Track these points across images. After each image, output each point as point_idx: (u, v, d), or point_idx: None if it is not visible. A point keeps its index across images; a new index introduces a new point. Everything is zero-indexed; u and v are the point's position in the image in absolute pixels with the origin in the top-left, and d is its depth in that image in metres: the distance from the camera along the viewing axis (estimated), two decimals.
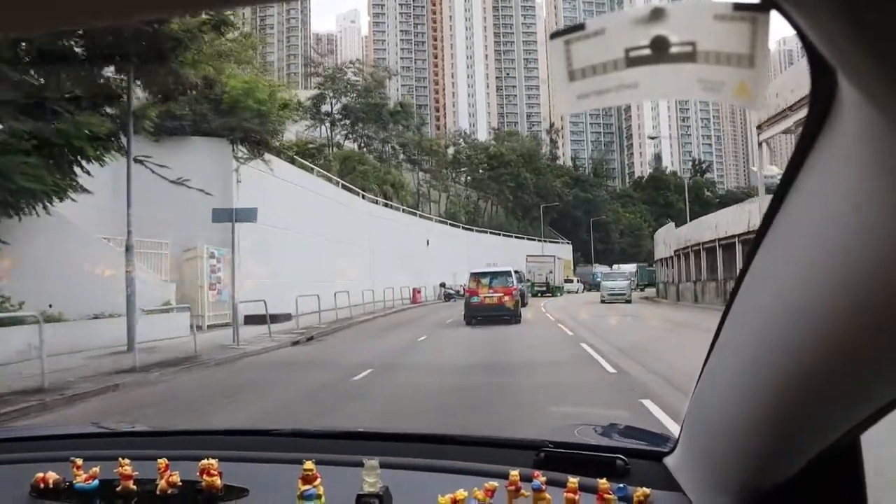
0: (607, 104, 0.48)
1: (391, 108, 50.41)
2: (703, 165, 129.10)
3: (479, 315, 20.18)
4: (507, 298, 20.56)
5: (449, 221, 57.18)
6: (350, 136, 48.46)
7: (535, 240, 72.74)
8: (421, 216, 50.05)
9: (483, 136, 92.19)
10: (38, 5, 0.43)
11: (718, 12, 0.45)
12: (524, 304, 31.58)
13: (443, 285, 40.91)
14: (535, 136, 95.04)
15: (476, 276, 21.64)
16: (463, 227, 59.16)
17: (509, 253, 61.93)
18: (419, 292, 35.28)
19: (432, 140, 65.07)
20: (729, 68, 0.46)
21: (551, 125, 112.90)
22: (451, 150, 66.71)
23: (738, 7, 0.45)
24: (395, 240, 41.50)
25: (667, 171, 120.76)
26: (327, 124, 45.73)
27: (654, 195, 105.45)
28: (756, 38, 0.45)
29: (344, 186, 34.94)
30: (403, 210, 45.94)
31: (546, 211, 74.14)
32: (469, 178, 68.53)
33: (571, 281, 62.20)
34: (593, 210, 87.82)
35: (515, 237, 69.97)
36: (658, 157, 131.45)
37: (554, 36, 0.48)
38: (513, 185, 68.90)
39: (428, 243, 48.14)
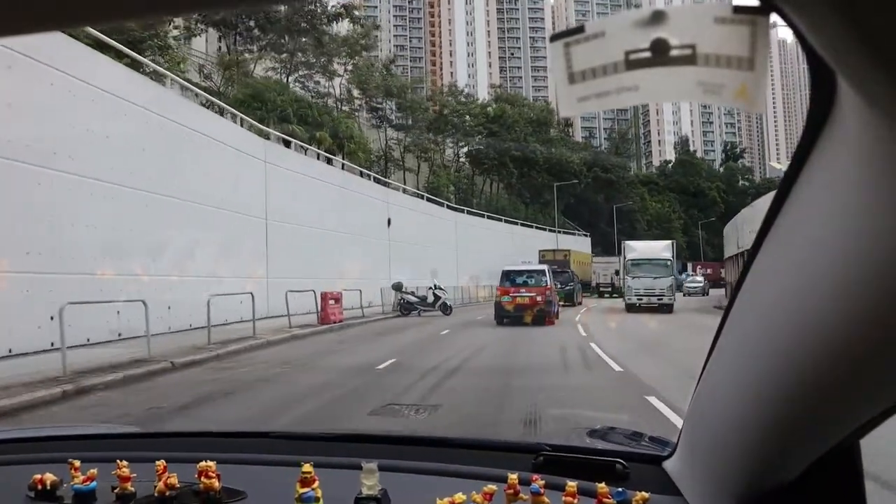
0: (608, 107, 0.48)
1: (331, 9, 32.72)
2: (737, 150, 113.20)
3: (509, 315, 19.40)
4: (540, 299, 19.58)
5: (427, 195, 40.46)
6: (265, 52, 31.22)
7: (545, 229, 56.52)
8: (376, 179, 33.30)
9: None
10: (36, 6, 0.42)
11: (718, 15, 0.45)
12: (578, 303, 32.39)
13: (398, 288, 24.20)
14: (547, 103, 77.75)
15: (508, 274, 20.65)
16: (448, 207, 42.46)
17: (514, 245, 46.18)
18: (337, 301, 18.54)
19: (404, 80, 47.86)
20: (729, 71, 0.45)
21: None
22: (432, 106, 49.60)
23: (737, 10, 0.45)
24: (328, 213, 25.10)
25: (696, 155, 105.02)
26: (220, 29, 28.58)
27: (682, 182, 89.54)
28: (756, 41, 0.45)
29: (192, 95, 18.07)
30: (344, 166, 29.14)
31: (560, 191, 57.40)
32: (462, 143, 51.60)
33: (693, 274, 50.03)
34: (615, 196, 71.90)
35: (522, 224, 53.52)
36: (685, 141, 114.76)
37: (553, 38, 0.48)
38: (518, 154, 52.00)
39: (389, 223, 31.65)
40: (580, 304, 33.69)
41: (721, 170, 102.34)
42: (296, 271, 22.25)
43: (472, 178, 54.71)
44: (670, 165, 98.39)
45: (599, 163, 72.33)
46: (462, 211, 44.27)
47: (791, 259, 0.63)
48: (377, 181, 33.27)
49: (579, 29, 0.47)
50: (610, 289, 46.27)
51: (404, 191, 39.38)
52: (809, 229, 0.59)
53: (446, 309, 23.66)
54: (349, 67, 39.09)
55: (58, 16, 0.43)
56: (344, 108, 37.82)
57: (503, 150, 52.33)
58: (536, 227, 55.96)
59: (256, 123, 22.20)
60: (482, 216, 46.98)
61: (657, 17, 0.46)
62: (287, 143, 25.58)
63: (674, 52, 0.46)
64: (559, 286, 26.34)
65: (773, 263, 0.67)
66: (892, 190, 0.46)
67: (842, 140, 0.51)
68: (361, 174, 32.99)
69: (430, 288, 24.09)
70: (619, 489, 1.20)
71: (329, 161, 29.47)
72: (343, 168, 31.68)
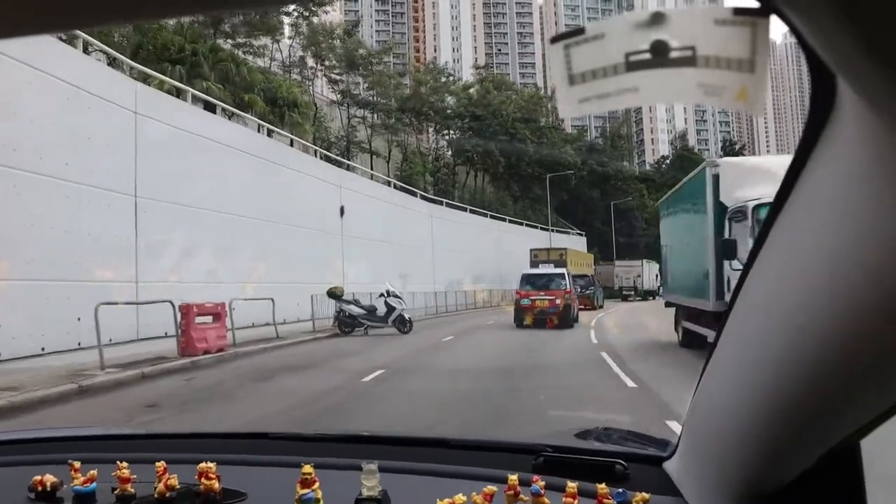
0: (608, 108, 0.48)
1: None
2: (737, 146, 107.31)
3: (527, 318, 19.28)
4: (559, 302, 19.43)
5: (395, 183, 33.67)
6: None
7: (537, 227, 50.01)
8: (325, 157, 26.50)
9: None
10: (37, 7, 0.41)
11: (718, 17, 0.45)
12: (599, 307, 32.91)
13: (335, 295, 17.23)
14: (537, 89, 71.20)
15: (529, 277, 20.84)
16: (422, 197, 35.66)
17: (501, 245, 39.48)
18: (218, 318, 11.74)
19: (370, 48, 41.06)
20: (729, 73, 0.45)
21: (553, 92, 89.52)
22: (406, 82, 42.89)
23: (737, 11, 0.45)
24: (247, 194, 18.42)
25: (695, 150, 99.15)
26: None
27: (681, 179, 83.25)
28: (756, 43, 0.45)
29: None
30: (293, 142, 22.26)
31: (553, 186, 50.77)
32: (441, 128, 44.87)
33: None
34: (611, 192, 65.81)
35: (510, 221, 46.91)
36: (683, 135, 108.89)
37: (554, 40, 0.48)
38: (505, 138, 45.34)
39: (343, 213, 24.93)
40: (601, 307, 33.38)
41: None
42: (189, 273, 15.45)
43: (454, 168, 47.95)
44: (668, 161, 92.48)
45: (594, 156, 66.13)
46: (440, 203, 37.55)
47: (791, 260, 0.62)
48: (327, 160, 26.45)
49: (579, 30, 0.47)
50: (632, 292, 47.41)
51: (372, 177, 32.66)
52: (810, 231, 0.58)
53: (403, 324, 16.77)
54: (303, 30, 32.35)
55: (56, 17, 0.43)
56: (295, 76, 31.01)
57: (488, 136, 45.69)
58: (527, 225, 49.44)
59: (127, 59, 15.33)
60: (464, 210, 40.32)
61: (657, 19, 0.45)
62: (211, 107, 18.86)
63: (674, 54, 0.45)
64: (578, 290, 25.47)
65: (774, 265, 0.66)
66: (892, 190, 0.45)
67: (842, 141, 0.50)
68: (317, 153, 26.29)
69: (382, 295, 17.24)
70: (620, 490, 1.20)
71: (264, 130, 22.80)
72: (292, 144, 24.94)
